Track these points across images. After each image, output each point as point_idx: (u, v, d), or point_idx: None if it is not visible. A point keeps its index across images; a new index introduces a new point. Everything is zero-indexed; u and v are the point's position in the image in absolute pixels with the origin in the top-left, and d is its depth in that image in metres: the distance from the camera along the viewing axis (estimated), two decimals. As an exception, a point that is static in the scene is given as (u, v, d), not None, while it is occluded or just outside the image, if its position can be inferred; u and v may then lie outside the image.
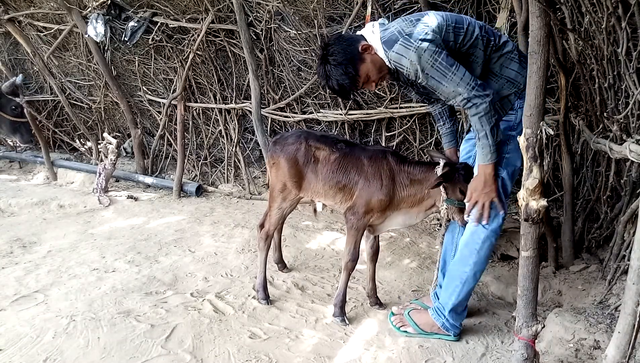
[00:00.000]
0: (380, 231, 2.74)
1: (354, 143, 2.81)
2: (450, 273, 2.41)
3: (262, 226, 2.89)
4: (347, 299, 2.65)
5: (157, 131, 5.55)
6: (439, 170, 2.39)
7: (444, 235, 2.61)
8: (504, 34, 3.20)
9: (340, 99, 4.41)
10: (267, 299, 2.81)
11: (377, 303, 2.80)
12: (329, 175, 2.61)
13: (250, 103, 4.64)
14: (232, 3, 4.26)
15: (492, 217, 2.25)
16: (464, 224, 2.38)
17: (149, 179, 5.46)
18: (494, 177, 2.16)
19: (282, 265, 3.26)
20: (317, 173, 2.63)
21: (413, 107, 4.17)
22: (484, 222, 2.21)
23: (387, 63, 2.22)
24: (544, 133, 1.74)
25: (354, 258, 2.58)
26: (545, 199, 1.78)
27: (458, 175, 2.39)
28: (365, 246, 2.80)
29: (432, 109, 2.66)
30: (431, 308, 2.47)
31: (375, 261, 2.78)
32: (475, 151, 2.30)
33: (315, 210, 3.31)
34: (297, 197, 2.77)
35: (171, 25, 4.73)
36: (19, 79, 5.26)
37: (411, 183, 2.50)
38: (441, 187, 2.39)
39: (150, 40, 4.87)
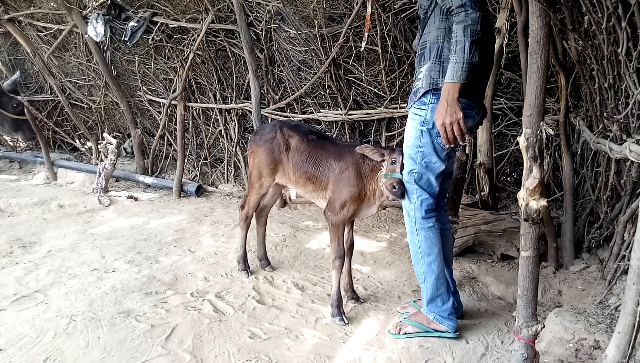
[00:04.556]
0: (351, 219, 2.77)
1: (326, 136, 2.99)
2: (416, 274, 2.49)
3: (242, 207, 3.16)
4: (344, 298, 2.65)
5: (157, 131, 5.55)
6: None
7: None
8: (504, 34, 3.21)
9: (340, 99, 4.41)
10: (247, 270, 3.14)
11: (354, 297, 2.82)
12: (299, 164, 2.77)
13: (250, 103, 4.64)
14: (232, 3, 4.26)
15: (415, 208, 2.32)
16: (399, 194, 2.37)
17: (149, 179, 5.46)
18: (457, 100, 2.10)
19: (265, 262, 3.28)
20: (289, 161, 2.81)
21: (413, 107, 4.17)
22: (460, 142, 2.19)
23: None
24: (544, 133, 1.74)
25: (339, 255, 2.61)
26: (545, 199, 1.78)
27: (396, 148, 2.44)
28: None
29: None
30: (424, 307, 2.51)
31: (350, 255, 2.82)
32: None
33: (289, 197, 3.36)
34: (272, 183, 2.99)
35: (171, 25, 4.73)
36: (18, 75, 5.25)
37: (371, 171, 2.57)
38: (383, 164, 2.47)
39: (150, 40, 4.88)
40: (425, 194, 2.32)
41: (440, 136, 2.20)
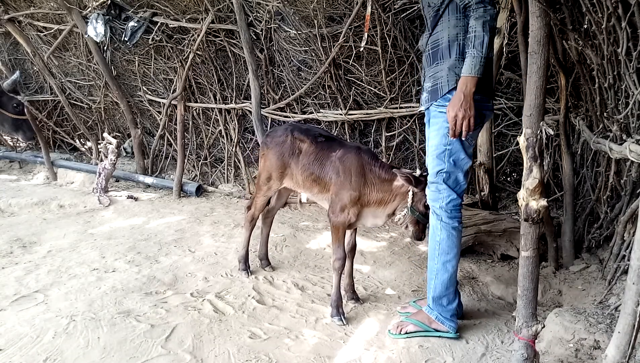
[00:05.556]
0: (354, 226, 2.76)
1: (334, 137, 2.97)
2: (428, 269, 2.48)
3: (249, 208, 3.16)
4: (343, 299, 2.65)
5: (157, 131, 5.55)
6: (415, 173, 2.49)
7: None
8: (504, 34, 3.21)
9: (340, 99, 4.41)
10: (247, 270, 3.15)
11: (354, 298, 2.83)
12: (306, 166, 2.76)
13: (250, 103, 4.64)
14: (232, 3, 4.26)
15: (441, 207, 2.32)
16: (416, 237, 2.56)
17: (149, 179, 5.46)
18: (472, 94, 2.13)
19: (265, 261, 3.28)
20: (297, 164, 2.79)
21: (413, 107, 4.17)
22: (463, 137, 2.21)
23: None
24: (544, 133, 1.74)
25: (340, 257, 2.60)
26: (545, 199, 1.78)
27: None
28: None
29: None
30: (425, 306, 2.50)
31: (352, 257, 2.82)
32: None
33: (300, 201, 3.36)
34: (280, 187, 2.97)
35: (171, 25, 4.73)
36: (17, 75, 5.25)
37: (380, 182, 2.55)
38: (410, 193, 2.46)
39: (150, 40, 4.88)
40: (454, 194, 2.31)
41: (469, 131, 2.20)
